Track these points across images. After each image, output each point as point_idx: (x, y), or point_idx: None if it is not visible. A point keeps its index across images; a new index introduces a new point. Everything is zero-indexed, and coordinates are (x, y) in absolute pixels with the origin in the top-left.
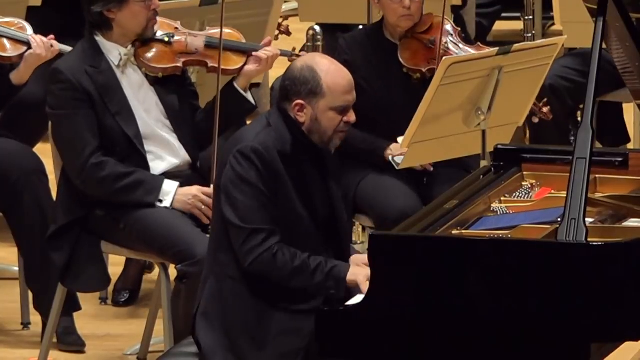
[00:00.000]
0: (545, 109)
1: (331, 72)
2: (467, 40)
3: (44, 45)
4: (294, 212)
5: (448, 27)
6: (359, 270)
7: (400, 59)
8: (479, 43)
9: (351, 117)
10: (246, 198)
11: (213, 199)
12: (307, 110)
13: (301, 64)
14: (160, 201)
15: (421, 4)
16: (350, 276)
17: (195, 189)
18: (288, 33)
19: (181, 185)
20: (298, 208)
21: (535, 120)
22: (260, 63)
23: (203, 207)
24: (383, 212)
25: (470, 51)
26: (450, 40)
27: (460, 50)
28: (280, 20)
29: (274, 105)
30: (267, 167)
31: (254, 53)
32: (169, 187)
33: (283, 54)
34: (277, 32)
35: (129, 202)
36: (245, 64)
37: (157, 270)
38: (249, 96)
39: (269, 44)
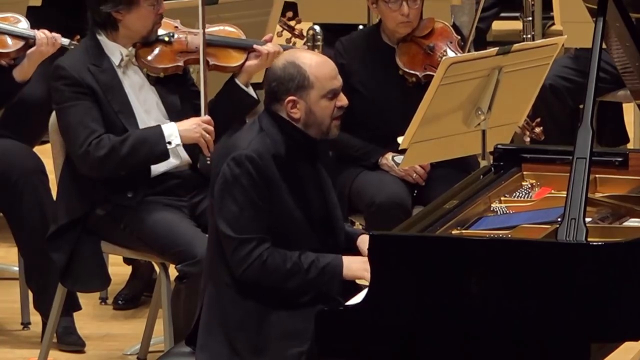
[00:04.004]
0: (537, 129)
1: (314, 62)
2: (464, 48)
3: (48, 41)
4: (290, 215)
5: (449, 34)
6: (355, 265)
7: (398, 62)
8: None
9: (343, 100)
10: (237, 207)
11: (209, 206)
12: (300, 105)
13: (282, 62)
14: (170, 143)
15: (420, 10)
16: (347, 271)
17: (194, 119)
18: (302, 36)
19: (181, 186)
20: (293, 211)
21: (527, 139)
22: (261, 58)
23: (207, 136)
24: (371, 197)
25: None
26: (449, 48)
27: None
28: (292, 23)
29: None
30: (261, 175)
31: (255, 46)
32: (170, 128)
33: (285, 48)
34: (290, 35)
35: (142, 161)
36: (245, 60)
37: (157, 270)
38: (250, 91)
39: (270, 41)
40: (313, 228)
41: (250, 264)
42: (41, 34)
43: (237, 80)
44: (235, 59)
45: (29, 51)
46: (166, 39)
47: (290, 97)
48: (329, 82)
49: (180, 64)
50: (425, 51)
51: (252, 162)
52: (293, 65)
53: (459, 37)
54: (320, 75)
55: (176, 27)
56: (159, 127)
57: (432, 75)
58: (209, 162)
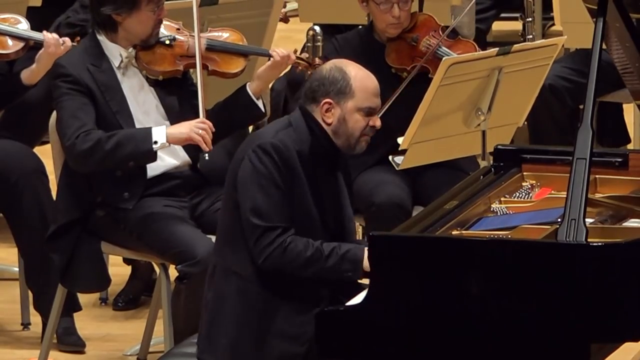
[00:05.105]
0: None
1: (360, 74)
2: (450, 35)
3: (57, 42)
4: (306, 212)
5: (433, 24)
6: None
7: (387, 61)
8: (459, 37)
9: (376, 121)
10: (263, 194)
11: (224, 193)
12: (334, 111)
13: (330, 66)
14: (156, 142)
15: (410, 11)
16: (367, 261)
17: (185, 122)
18: (286, 20)
19: (181, 187)
20: (310, 209)
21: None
22: (272, 62)
23: (200, 131)
24: (371, 197)
25: (451, 50)
26: (433, 36)
27: (441, 45)
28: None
29: (292, 106)
30: (285, 164)
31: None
32: (160, 129)
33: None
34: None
35: (126, 158)
36: (245, 67)
37: (157, 270)
38: (259, 103)
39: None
40: (325, 229)
41: (272, 252)
42: (49, 36)
43: (248, 89)
44: (235, 66)
45: (37, 55)
46: (167, 42)
47: (327, 100)
48: (369, 98)
49: (180, 68)
50: (410, 43)
51: (278, 151)
52: (339, 71)
53: (442, 24)
54: (362, 87)
55: (178, 29)
56: (149, 127)
57: (421, 66)
58: (207, 158)
